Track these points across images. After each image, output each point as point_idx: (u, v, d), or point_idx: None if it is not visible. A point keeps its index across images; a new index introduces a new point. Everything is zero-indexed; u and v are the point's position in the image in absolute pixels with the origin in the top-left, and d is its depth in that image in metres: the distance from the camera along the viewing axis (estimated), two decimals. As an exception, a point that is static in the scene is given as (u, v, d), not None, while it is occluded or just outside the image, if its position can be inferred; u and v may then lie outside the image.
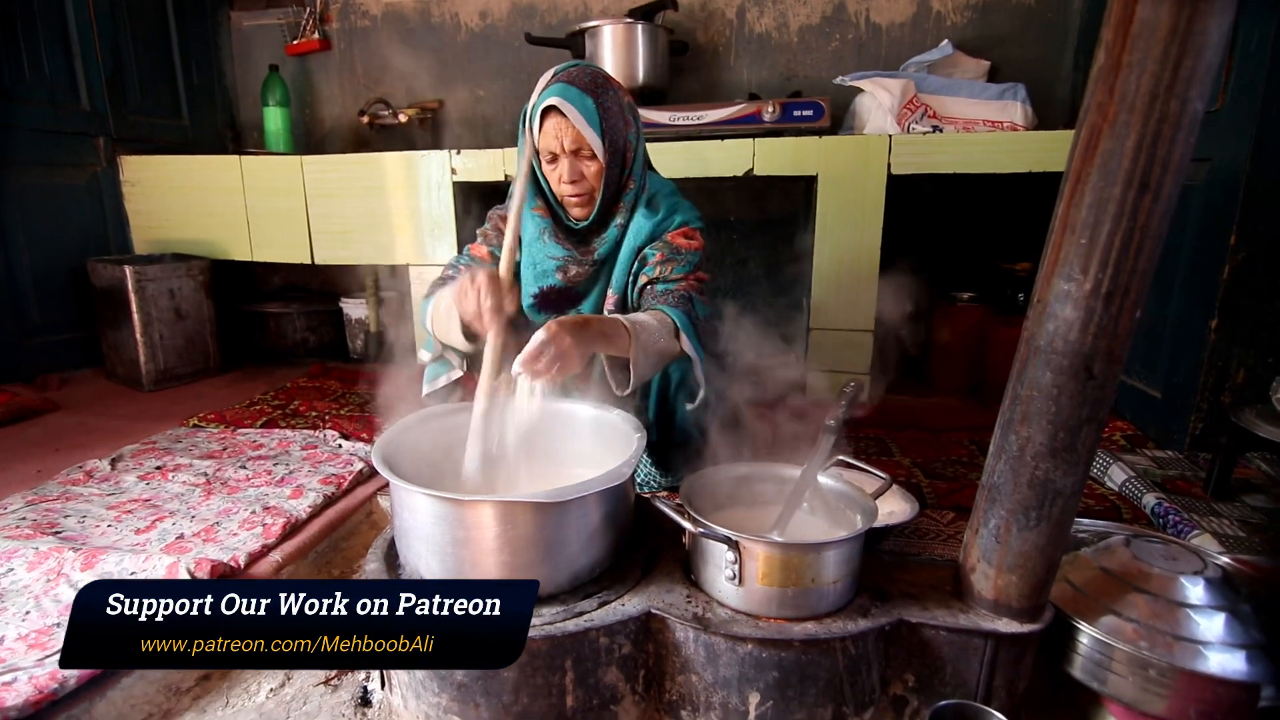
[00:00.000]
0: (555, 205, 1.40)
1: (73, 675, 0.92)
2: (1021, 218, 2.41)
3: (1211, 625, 0.87)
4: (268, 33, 3.04)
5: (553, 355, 1.04)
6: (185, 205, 2.62)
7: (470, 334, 1.24)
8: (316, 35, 2.93)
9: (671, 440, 1.43)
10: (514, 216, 1.19)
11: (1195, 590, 0.91)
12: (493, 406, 1.15)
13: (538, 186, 1.39)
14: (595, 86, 1.30)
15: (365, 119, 2.81)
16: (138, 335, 2.37)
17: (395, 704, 0.96)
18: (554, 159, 1.33)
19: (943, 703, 0.87)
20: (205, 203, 2.59)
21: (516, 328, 1.44)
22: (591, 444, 1.20)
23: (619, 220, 1.39)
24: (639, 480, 1.44)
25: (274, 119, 2.79)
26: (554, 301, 1.41)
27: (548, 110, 1.29)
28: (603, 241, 1.39)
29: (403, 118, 2.79)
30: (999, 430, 0.87)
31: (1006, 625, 0.88)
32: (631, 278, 1.39)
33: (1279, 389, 1.30)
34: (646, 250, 1.38)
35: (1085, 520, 1.24)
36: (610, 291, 1.41)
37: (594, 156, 1.31)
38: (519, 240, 1.26)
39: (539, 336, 1.04)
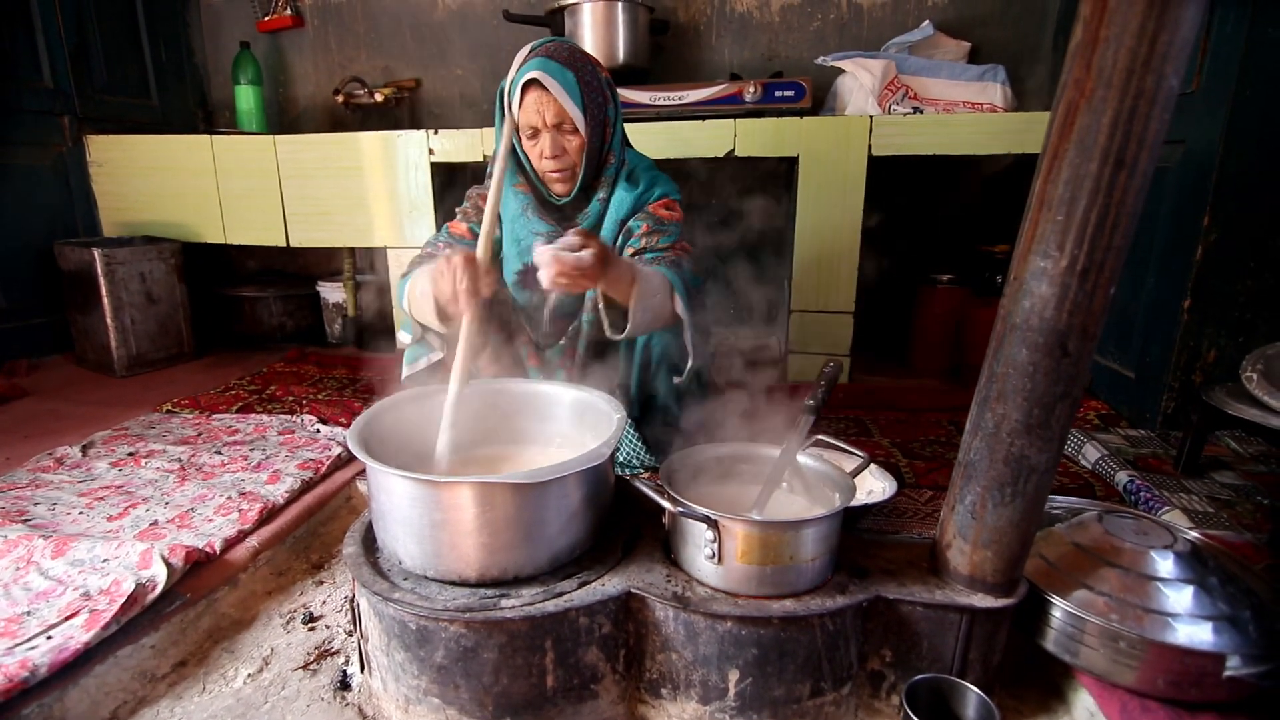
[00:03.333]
0: (536, 181, 1.39)
1: (44, 663, 0.90)
2: (1000, 200, 2.44)
3: (1180, 598, 0.89)
4: (238, 8, 2.96)
5: (579, 264, 1.04)
6: (155, 186, 2.56)
7: (445, 315, 1.22)
8: (289, 11, 2.86)
9: (652, 417, 1.43)
10: (493, 194, 1.17)
11: (1165, 564, 0.93)
12: (466, 391, 1.13)
13: (518, 163, 1.38)
14: (575, 61, 1.29)
15: (340, 98, 2.75)
16: (108, 320, 2.32)
17: (375, 687, 0.96)
18: (535, 134, 1.32)
19: (919, 677, 0.88)
20: (176, 184, 2.53)
21: (498, 310, 1.43)
22: (571, 425, 1.19)
23: (601, 195, 1.39)
24: (623, 459, 1.44)
25: (246, 98, 2.73)
26: (537, 278, 1.40)
27: (529, 84, 1.27)
28: (585, 216, 1.39)
29: (379, 97, 2.74)
30: (975, 408, 0.87)
31: (981, 600, 0.89)
32: (616, 251, 1.38)
33: (1249, 368, 1.32)
34: (631, 223, 1.38)
35: (1059, 497, 1.26)
36: None
37: (576, 131, 1.31)
38: (499, 219, 1.24)
39: (575, 240, 1.06)
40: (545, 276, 1.06)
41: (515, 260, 1.41)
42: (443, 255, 1.14)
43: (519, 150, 1.36)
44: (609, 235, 1.39)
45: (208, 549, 1.19)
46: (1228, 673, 0.82)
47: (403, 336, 1.43)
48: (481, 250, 1.15)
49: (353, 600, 0.97)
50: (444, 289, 1.11)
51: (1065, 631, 0.91)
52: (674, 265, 1.31)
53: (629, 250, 1.36)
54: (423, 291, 1.22)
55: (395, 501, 0.92)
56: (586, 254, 1.04)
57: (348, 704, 0.99)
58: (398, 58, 2.89)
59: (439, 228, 2.36)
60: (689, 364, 1.31)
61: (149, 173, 2.55)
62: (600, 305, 1.23)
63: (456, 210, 1.49)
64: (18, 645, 0.94)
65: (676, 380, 1.35)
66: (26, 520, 1.31)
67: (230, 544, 1.23)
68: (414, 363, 1.42)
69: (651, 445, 1.45)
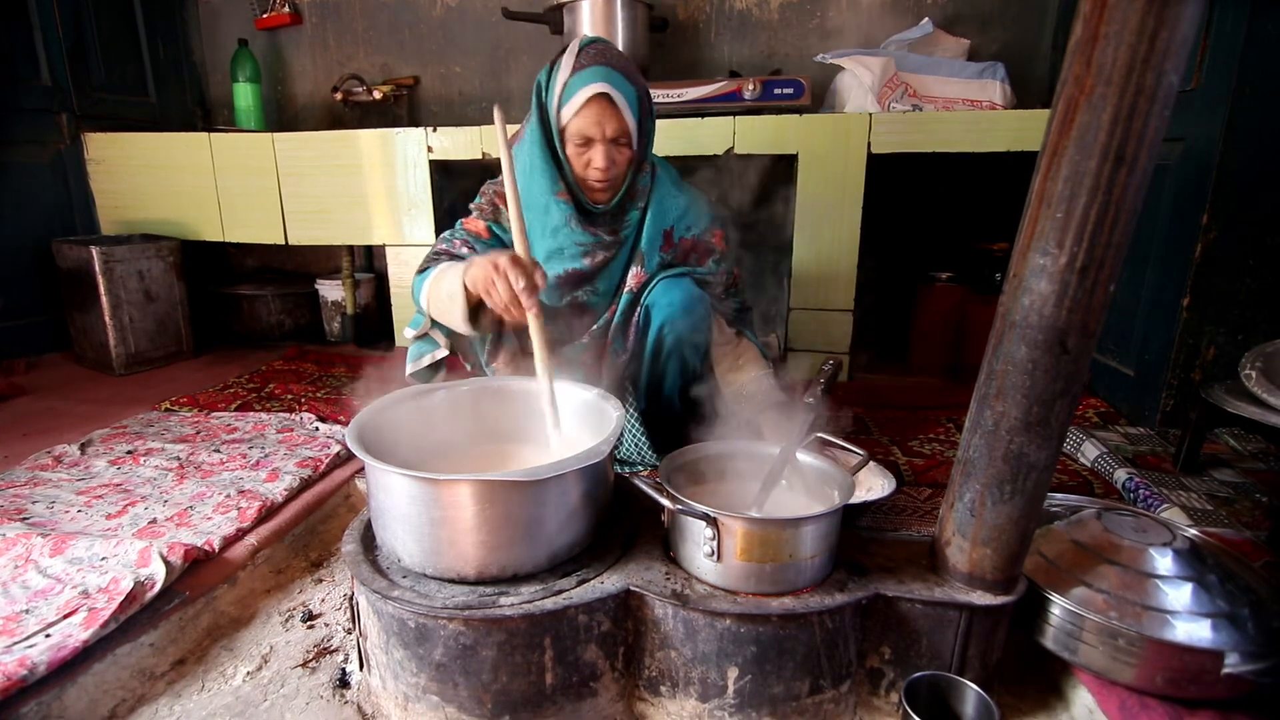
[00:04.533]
0: (575, 188, 1.35)
1: (42, 662, 0.90)
2: (1000, 197, 2.44)
3: (1179, 595, 0.89)
4: (236, 6, 2.96)
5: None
6: (153, 184, 2.56)
7: (475, 317, 1.22)
8: (287, 9, 2.86)
9: (656, 407, 1.45)
10: (511, 193, 1.15)
11: (1164, 562, 0.93)
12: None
13: (558, 168, 1.34)
14: (632, 73, 1.29)
15: (339, 96, 2.74)
16: (106, 318, 2.32)
17: (374, 684, 0.96)
18: (588, 143, 1.29)
19: (918, 674, 0.88)
20: (174, 182, 2.53)
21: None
22: (570, 423, 1.19)
23: (640, 203, 1.39)
24: (625, 453, 1.44)
25: (244, 95, 2.72)
26: (574, 282, 1.41)
27: (597, 96, 1.25)
28: (627, 225, 1.40)
29: (377, 94, 2.73)
30: (974, 405, 0.87)
31: (981, 598, 0.89)
32: (657, 255, 1.43)
33: (1248, 366, 1.32)
34: (707, 266, 1.46)
35: (1058, 495, 1.26)
36: (638, 269, 1.42)
37: (629, 144, 1.30)
38: (523, 215, 1.24)
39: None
40: None
41: (556, 267, 1.39)
42: (480, 261, 1.13)
43: (560, 153, 1.32)
44: (653, 240, 1.41)
45: (206, 547, 1.19)
46: (1226, 670, 0.82)
47: (408, 333, 1.42)
48: (520, 246, 1.14)
49: (352, 598, 0.97)
50: (501, 296, 1.10)
51: (1064, 629, 0.91)
52: (744, 315, 1.54)
53: (709, 282, 1.46)
54: (449, 294, 1.21)
55: (394, 499, 0.92)
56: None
57: (347, 702, 0.99)
58: (396, 55, 2.89)
59: (437, 225, 2.37)
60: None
61: (147, 170, 2.55)
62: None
63: (471, 206, 1.45)
64: (16, 643, 0.94)
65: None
66: (25, 518, 1.31)
67: (229, 542, 1.23)
68: (418, 359, 1.41)
69: (657, 437, 1.45)
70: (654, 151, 1.51)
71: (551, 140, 1.32)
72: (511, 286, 1.08)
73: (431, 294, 1.28)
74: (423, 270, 1.34)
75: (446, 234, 1.44)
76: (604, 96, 1.24)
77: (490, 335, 1.41)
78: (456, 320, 1.23)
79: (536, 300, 1.09)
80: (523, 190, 1.33)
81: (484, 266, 1.11)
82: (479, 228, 1.41)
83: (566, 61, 1.27)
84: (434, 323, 1.36)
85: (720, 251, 1.49)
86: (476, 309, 1.22)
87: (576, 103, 1.25)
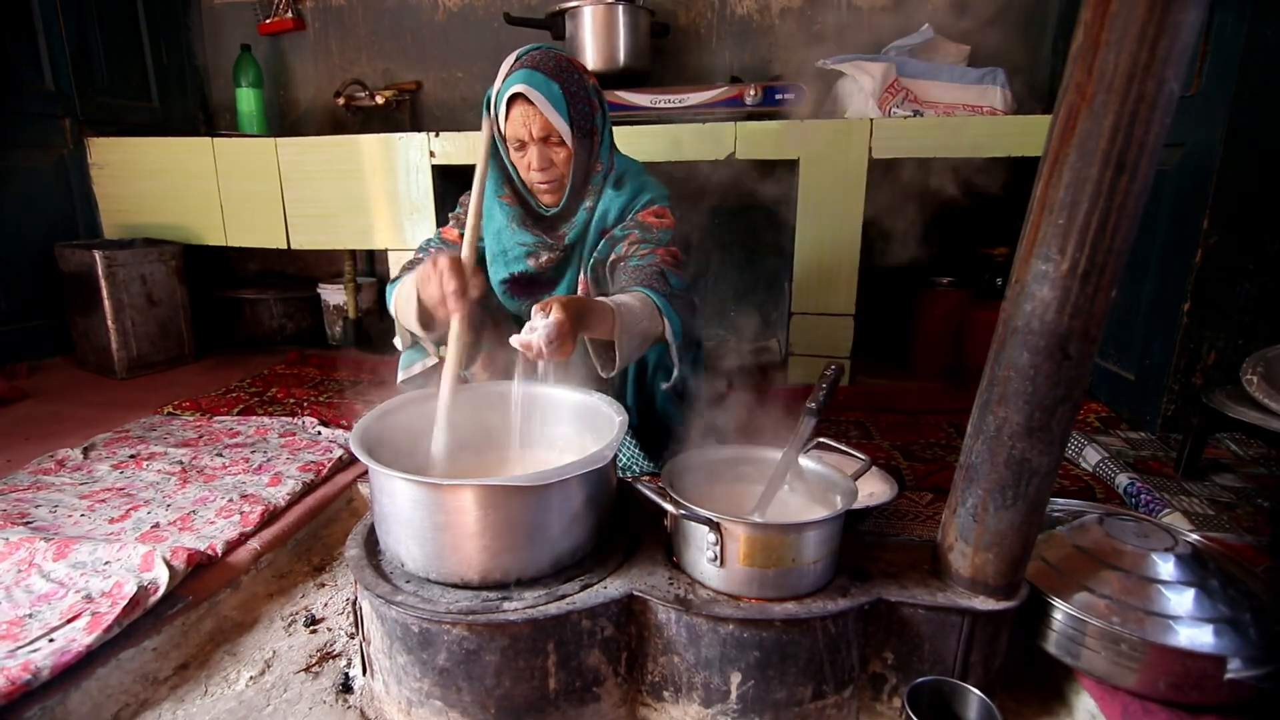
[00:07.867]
0: (525, 192, 1.38)
1: (46, 666, 0.90)
2: (1000, 202, 2.44)
3: (1181, 600, 0.90)
4: (239, 11, 2.97)
5: (553, 337, 0.99)
6: (156, 189, 2.56)
7: (426, 321, 1.22)
8: (290, 14, 2.87)
9: (652, 424, 1.43)
10: (475, 201, 1.17)
11: (1166, 567, 0.93)
12: (458, 393, 1.13)
13: (504, 174, 1.37)
14: (561, 71, 1.28)
15: (341, 100, 2.75)
16: (109, 322, 2.33)
17: (377, 690, 0.96)
18: (522, 146, 1.31)
19: (920, 679, 0.88)
20: (177, 186, 2.54)
21: (489, 311, 1.43)
22: (573, 428, 1.19)
23: (588, 203, 1.38)
24: (622, 464, 1.44)
25: (247, 100, 2.73)
26: (525, 287, 1.40)
27: (514, 98, 1.26)
28: (572, 226, 1.38)
29: (379, 99, 2.74)
30: (976, 411, 0.87)
31: (983, 603, 0.89)
32: (600, 257, 1.37)
33: (1249, 370, 1.32)
34: (616, 231, 1.36)
35: (1060, 500, 1.26)
36: (583, 276, 1.40)
37: (563, 143, 1.30)
38: (480, 225, 1.23)
39: (547, 320, 0.99)
40: (530, 355, 1.02)
41: (502, 270, 1.40)
42: (427, 260, 1.14)
43: (506, 160, 1.35)
44: (592, 243, 1.39)
45: (209, 551, 1.19)
46: (1229, 675, 0.82)
47: (397, 341, 1.43)
48: (466, 252, 1.15)
49: (354, 603, 0.98)
50: (431, 293, 1.11)
51: (1066, 634, 0.91)
52: (656, 278, 1.25)
53: (613, 256, 1.34)
54: (407, 296, 1.22)
55: (397, 504, 0.92)
56: (543, 327, 0.98)
57: (350, 707, 0.99)
58: (399, 60, 2.90)
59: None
60: (675, 373, 1.27)
61: (150, 175, 2.56)
62: (589, 347, 1.17)
63: (449, 216, 1.49)
64: (20, 648, 0.94)
65: (665, 386, 1.33)
66: (28, 522, 1.31)
67: (232, 546, 1.24)
68: (409, 367, 1.42)
69: (651, 451, 1.45)
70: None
71: (497, 147, 1.34)
72: (441, 287, 1.08)
73: (397, 300, 1.29)
74: (395, 279, 1.35)
75: (423, 242, 1.47)
76: (521, 97, 1.25)
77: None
78: (410, 320, 1.23)
79: (462, 304, 1.09)
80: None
81: (425, 265, 1.12)
82: (454, 236, 1.44)
83: (502, 72, 1.30)
84: (412, 333, 1.36)
85: (653, 228, 1.35)
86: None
87: (504, 108, 1.28)
